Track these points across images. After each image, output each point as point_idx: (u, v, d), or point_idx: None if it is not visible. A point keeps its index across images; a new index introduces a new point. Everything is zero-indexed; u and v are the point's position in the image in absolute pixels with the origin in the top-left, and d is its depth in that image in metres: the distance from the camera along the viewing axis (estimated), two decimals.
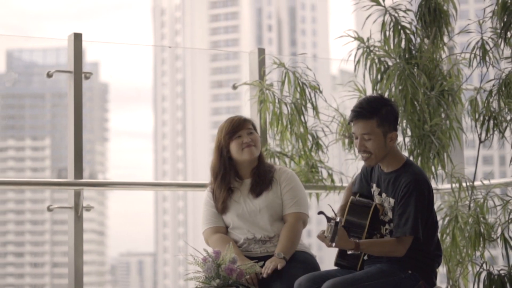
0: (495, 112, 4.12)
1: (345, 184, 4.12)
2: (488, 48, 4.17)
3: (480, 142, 4.21)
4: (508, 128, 4.14)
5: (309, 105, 4.28)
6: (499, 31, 4.13)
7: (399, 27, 4.30)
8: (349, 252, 3.13)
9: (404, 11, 4.32)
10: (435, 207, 3.38)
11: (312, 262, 3.36)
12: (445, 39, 4.40)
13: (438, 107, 4.28)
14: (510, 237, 4.01)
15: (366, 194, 3.32)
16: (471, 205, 4.16)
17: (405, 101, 4.20)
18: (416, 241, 3.11)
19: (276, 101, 4.23)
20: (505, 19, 4.10)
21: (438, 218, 3.33)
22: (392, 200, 3.17)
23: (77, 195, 3.91)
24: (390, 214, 3.19)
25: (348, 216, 3.20)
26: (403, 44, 4.32)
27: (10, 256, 51.99)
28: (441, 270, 3.99)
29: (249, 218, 3.39)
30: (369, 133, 3.13)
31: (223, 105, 69.48)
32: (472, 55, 4.19)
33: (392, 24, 4.31)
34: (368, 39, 4.31)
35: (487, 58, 4.16)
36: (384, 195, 3.22)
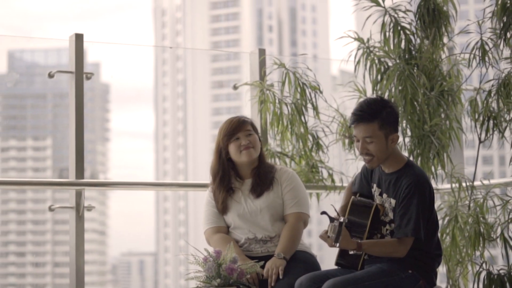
0: (495, 112, 4.13)
1: (345, 184, 4.13)
2: (487, 48, 4.17)
3: (480, 142, 4.21)
4: (507, 128, 4.14)
5: (309, 105, 4.28)
6: (498, 31, 4.14)
7: (399, 27, 4.31)
8: (351, 253, 3.13)
9: (404, 12, 4.33)
10: (435, 206, 3.39)
11: (313, 262, 3.36)
12: (445, 39, 4.41)
13: (438, 108, 4.28)
14: (509, 236, 4.01)
15: (366, 194, 3.32)
16: (471, 205, 4.16)
17: (405, 101, 4.21)
18: (417, 242, 3.12)
19: (277, 101, 4.24)
20: (505, 20, 4.10)
21: (438, 218, 3.33)
22: (393, 201, 3.18)
23: (78, 195, 3.91)
24: (391, 215, 3.19)
25: (349, 216, 3.21)
26: (403, 44, 4.33)
27: (11, 256, 52.00)
28: (441, 269, 3.99)
29: (250, 218, 3.40)
30: (371, 136, 3.13)
31: (223, 106, 69.45)
32: (472, 56, 4.20)
33: (392, 24, 4.31)
34: (368, 40, 4.32)
35: (486, 58, 4.17)
36: (385, 195, 3.22)
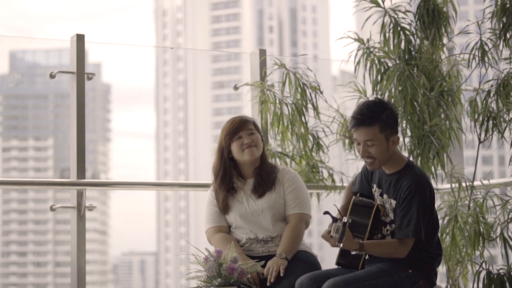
0: (494, 113, 4.14)
1: (346, 184, 4.14)
2: (487, 49, 4.18)
3: (480, 142, 4.22)
4: (507, 128, 4.15)
5: (309, 105, 4.28)
6: (498, 32, 4.14)
7: (399, 28, 4.32)
8: (353, 253, 3.13)
9: (404, 13, 4.33)
10: (435, 206, 3.39)
11: (313, 262, 3.37)
12: (445, 40, 4.41)
13: (437, 108, 4.29)
14: (509, 236, 4.01)
15: (367, 194, 3.32)
16: (471, 204, 4.17)
17: (405, 101, 4.21)
18: (418, 242, 3.13)
19: (277, 101, 4.25)
20: (504, 20, 4.11)
21: (438, 217, 3.34)
22: (393, 202, 3.18)
23: (80, 195, 3.92)
24: (391, 215, 3.20)
25: (350, 216, 3.21)
26: (402, 45, 4.34)
27: (13, 256, 52.00)
28: (441, 269, 4.00)
29: (252, 218, 3.40)
30: (372, 140, 3.13)
31: (224, 106, 69.43)
32: (471, 56, 4.20)
33: (391, 25, 4.32)
34: (368, 40, 4.33)
35: (486, 59, 4.17)
36: (385, 196, 3.23)
